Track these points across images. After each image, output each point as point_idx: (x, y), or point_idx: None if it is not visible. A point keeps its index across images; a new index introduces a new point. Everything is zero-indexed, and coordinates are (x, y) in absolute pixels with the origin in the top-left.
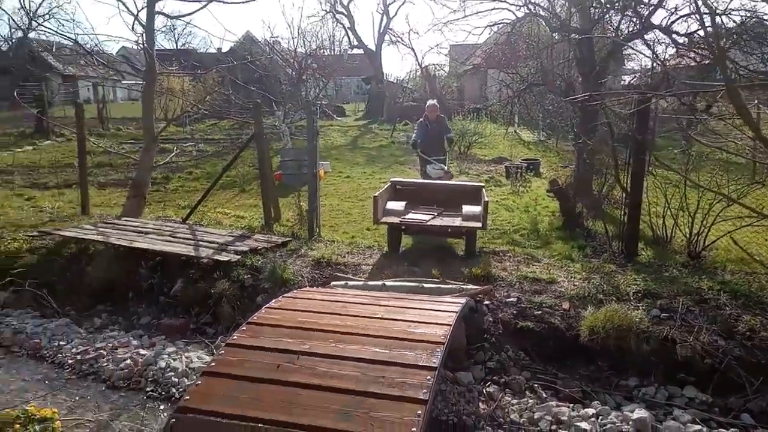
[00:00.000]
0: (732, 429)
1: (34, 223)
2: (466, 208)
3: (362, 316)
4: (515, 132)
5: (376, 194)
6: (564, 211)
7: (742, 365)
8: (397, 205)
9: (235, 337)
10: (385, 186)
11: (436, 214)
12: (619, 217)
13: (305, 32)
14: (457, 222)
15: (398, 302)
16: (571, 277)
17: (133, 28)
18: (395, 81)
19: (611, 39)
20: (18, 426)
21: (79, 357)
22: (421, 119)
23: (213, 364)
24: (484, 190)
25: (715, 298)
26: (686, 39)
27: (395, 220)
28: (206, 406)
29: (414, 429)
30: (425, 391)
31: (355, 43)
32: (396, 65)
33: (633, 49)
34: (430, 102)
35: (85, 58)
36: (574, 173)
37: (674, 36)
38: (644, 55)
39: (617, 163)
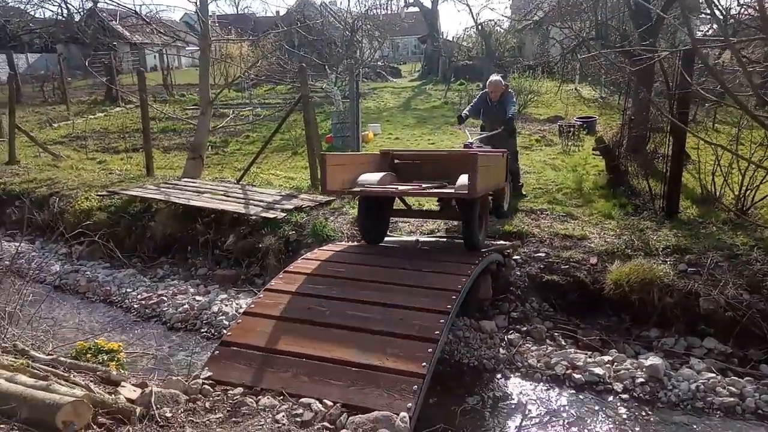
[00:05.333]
0: (747, 378)
1: (104, 184)
2: (462, 178)
3: (389, 267)
4: (575, 89)
5: (324, 153)
6: (609, 169)
7: (765, 318)
8: (372, 177)
9: (272, 283)
10: (367, 153)
11: (429, 185)
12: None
13: None
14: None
15: (424, 255)
16: (604, 234)
17: None
18: (452, 39)
19: None
20: (89, 355)
21: (143, 302)
22: (483, 91)
23: (252, 305)
24: (505, 155)
25: (746, 254)
26: None
27: (353, 188)
28: (244, 340)
29: (424, 364)
30: (437, 331)
31: (411, 0)
32: (454, 23)
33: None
34: (493, 78)
35: (148, 26)
36: (622, 130)
37: None
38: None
39: (672, 118)
